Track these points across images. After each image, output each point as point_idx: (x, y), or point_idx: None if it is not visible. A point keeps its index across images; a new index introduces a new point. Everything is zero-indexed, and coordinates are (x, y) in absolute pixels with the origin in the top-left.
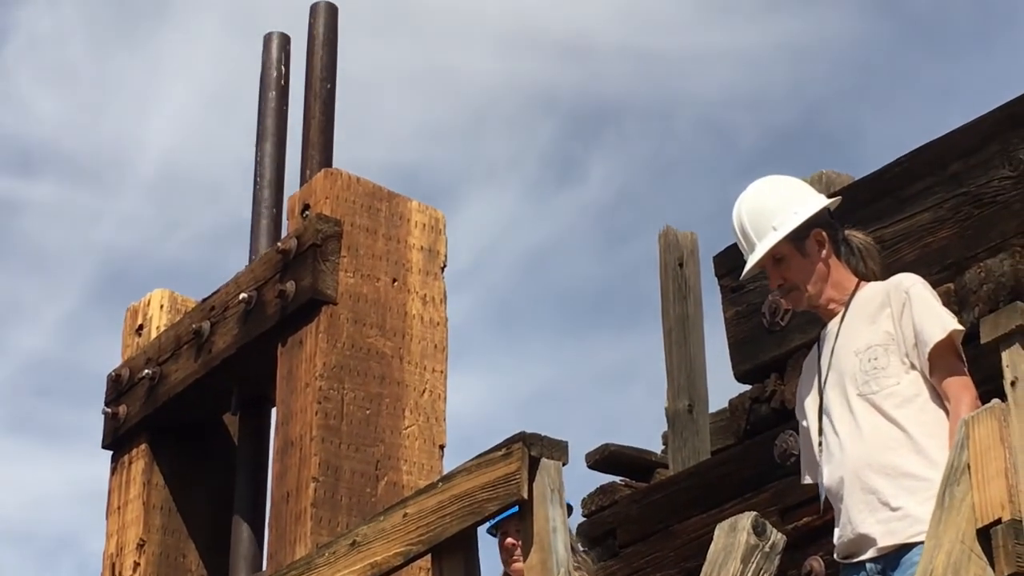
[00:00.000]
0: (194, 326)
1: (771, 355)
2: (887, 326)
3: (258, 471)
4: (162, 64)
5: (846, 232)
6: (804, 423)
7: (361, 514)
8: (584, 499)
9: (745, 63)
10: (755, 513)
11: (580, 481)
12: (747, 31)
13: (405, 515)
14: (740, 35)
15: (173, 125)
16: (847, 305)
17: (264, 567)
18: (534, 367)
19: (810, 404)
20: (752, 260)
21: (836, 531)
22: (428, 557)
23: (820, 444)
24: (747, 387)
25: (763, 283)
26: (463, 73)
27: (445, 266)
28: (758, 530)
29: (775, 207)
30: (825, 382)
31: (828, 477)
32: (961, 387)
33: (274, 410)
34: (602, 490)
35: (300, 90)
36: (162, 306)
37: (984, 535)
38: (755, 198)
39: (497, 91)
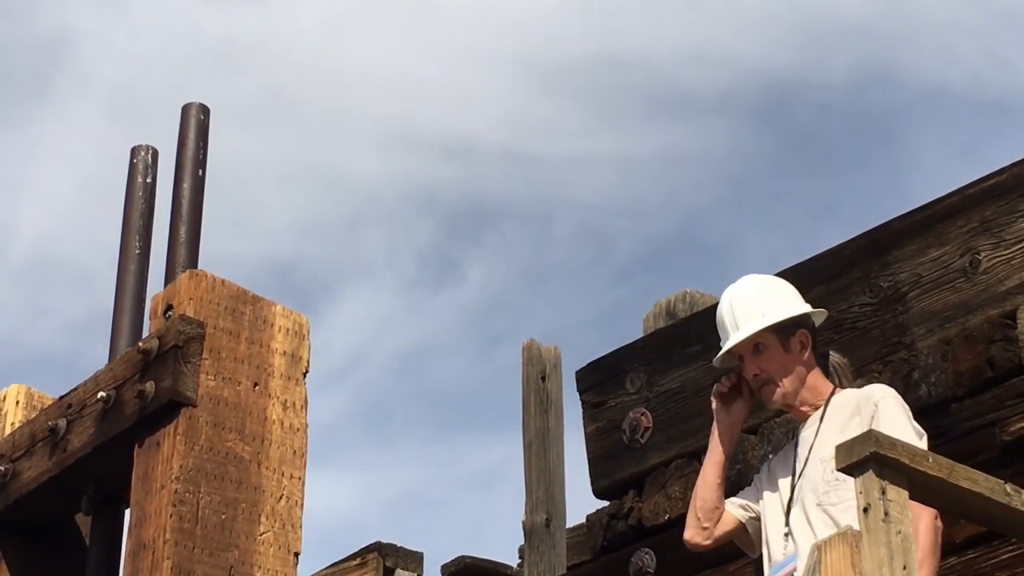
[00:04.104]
0: (50, 423)
1: (630, 472)
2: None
3: (109, 573)
4: (38, 148)
5: (826, 350)
6: (756, 497)
7: None
8: None
9: (625, 170)
10: None
11: None
12: (628, 138)
13: None
14: (621, 142)
15: (46, 210)
16: (824, 411)
17: None
18: (402, 469)
19: (772, 504)
20: (735, 339)
21: None
22: None
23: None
24: (605, 503)
25: (624, 400)
26: (342, 169)
27: (307, 372)
28: None
29: (767, 298)
30: (794, 488)
31: None
32: (921, 507)
33: (128, 511)
34: None
35: (169, 189)
36: (18, 402)
37: None
38: (748, 288)
39: (376, 188)
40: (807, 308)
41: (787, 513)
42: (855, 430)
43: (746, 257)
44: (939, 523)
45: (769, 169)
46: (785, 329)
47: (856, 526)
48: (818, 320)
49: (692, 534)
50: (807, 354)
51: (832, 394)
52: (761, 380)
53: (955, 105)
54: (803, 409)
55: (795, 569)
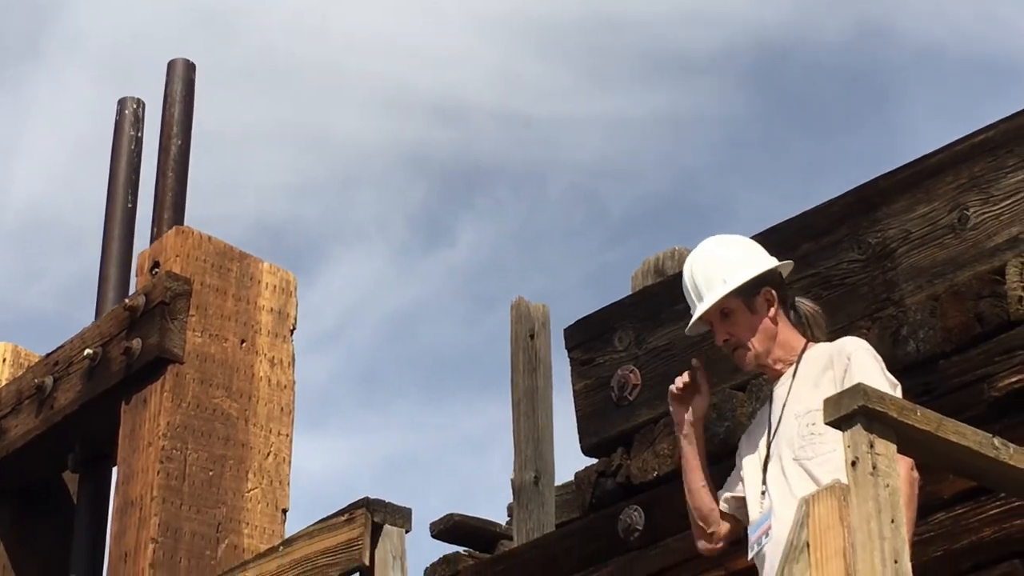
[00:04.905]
0: (36, 381)
1: (618, 429)
2: (828, 390)
3: (97, 531)
4: (30, 109)
5: (795, 299)
6: (739, 478)
7: None
8: (427, 568)
9: (618, 131)
10: None
11: (426, 549)
12: (621, 99)
13: None
14: (614, 103)
15: (39, 172)
16: (796, 366)
17: None
18: (395, 430)
19: (751, 465)
20: (700, 310)
21: None
22: None
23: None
24: (594, 460)
25: (612, 357)
26: (334, 131)
27: (295, 328)
28: None
29: (727, 262)
30: (770, 445)
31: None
32: (897, 457)
33: (115, 469)
34: (445, 560)
35: (156, 146)
36: (4, 359)
37: None
38: (707, 253)
39: (367, 150)
40: (769, 264)
41: (764, 471)
42: (828, 384)
43: (739, 217)
44: (915, 474)
45: (762, 129)
46: (748, 290)
47: (833, 479)
48: (785, 272)
49: (703, 544)
50: (774, 310)
51: (804, 349)
52: (731, 345)
53: (948, 65)
54: (777, 367)
55: (771, 527)
